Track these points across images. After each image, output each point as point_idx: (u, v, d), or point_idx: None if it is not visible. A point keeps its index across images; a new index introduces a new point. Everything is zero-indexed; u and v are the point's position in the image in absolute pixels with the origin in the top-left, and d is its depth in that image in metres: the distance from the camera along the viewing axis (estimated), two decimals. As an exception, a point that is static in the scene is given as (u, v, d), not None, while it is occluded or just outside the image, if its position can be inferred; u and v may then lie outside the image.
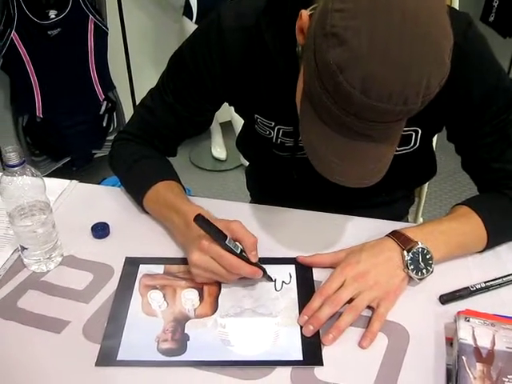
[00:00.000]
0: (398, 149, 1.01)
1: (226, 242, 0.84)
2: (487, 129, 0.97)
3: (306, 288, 0.92)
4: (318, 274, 0.95)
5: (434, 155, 1.26)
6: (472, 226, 0.96)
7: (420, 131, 1.01)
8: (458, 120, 0.99)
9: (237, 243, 0.87)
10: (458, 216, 0.98)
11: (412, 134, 1.01)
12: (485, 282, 0.91)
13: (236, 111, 1.14)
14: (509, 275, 0.93)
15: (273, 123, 1.05)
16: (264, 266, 0.91)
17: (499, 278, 0.92)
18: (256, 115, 1.06)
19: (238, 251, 0.86)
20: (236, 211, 1.11)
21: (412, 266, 0.89)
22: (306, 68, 0.77)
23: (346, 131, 0.75)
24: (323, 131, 0.77)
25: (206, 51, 0.99)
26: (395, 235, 0.93)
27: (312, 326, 0.83)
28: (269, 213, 1.12)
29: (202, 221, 0.85)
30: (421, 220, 1.64)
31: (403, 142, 1.02)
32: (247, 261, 0.87)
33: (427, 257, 0.90)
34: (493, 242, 0.98)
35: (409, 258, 0.89)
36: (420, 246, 0.90)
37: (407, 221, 1.44)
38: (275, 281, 0.93)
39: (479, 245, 0.97)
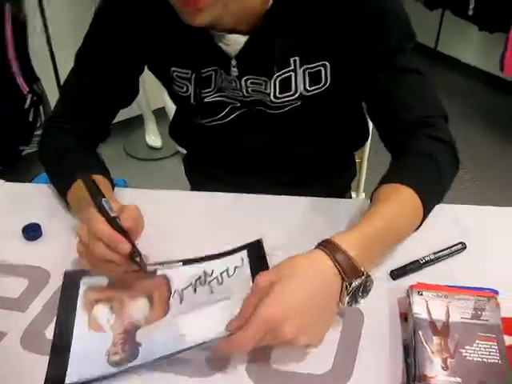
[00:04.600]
0: (309, 88, 1.00)
1: (102, 201, 0.80)
2: (385, 76, 0.95)
3: (260, 264, 0.90)
4: (269, 249, 0.93)
5: (365, 115, 1.24)
6: (406, 204, 0.87)
7: (329, 65, 0.98)
8: (355, 48, 0.95)
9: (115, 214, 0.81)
10: (391, 201, 0.86)
11: (321, 70, 0.99)
12: (434, 254, 0.91)
13: (150, 69, 1.11)
14: (456, 245, 0.93)
15: (189, 72, 1.02)
16: (219, 260, 0.91)
17: (447, 249, 0.92)
18: (172, 68, 1.04)
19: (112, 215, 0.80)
20: (174, 200, 1.08)
21: (348, 300, 0.76)
22: None
23: None
24: None
25: (114, 9, 1.00)
26: (332, 257, 0.74)
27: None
28: (207, 199, 1.09)
29: (86, 179, 0.83)
30: (363, 195, 1.64)
31: (314, 79, 0.99)
32: (119, 230, 0.79)
33: (368, 289, 0.77)
34: (427, 210, 0.88)
35: (348, 297, 0.75)
36: (364, 277, 0.75)
37: (350, 197, 1.43)
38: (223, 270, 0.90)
39: (416, 220, 0.88)
